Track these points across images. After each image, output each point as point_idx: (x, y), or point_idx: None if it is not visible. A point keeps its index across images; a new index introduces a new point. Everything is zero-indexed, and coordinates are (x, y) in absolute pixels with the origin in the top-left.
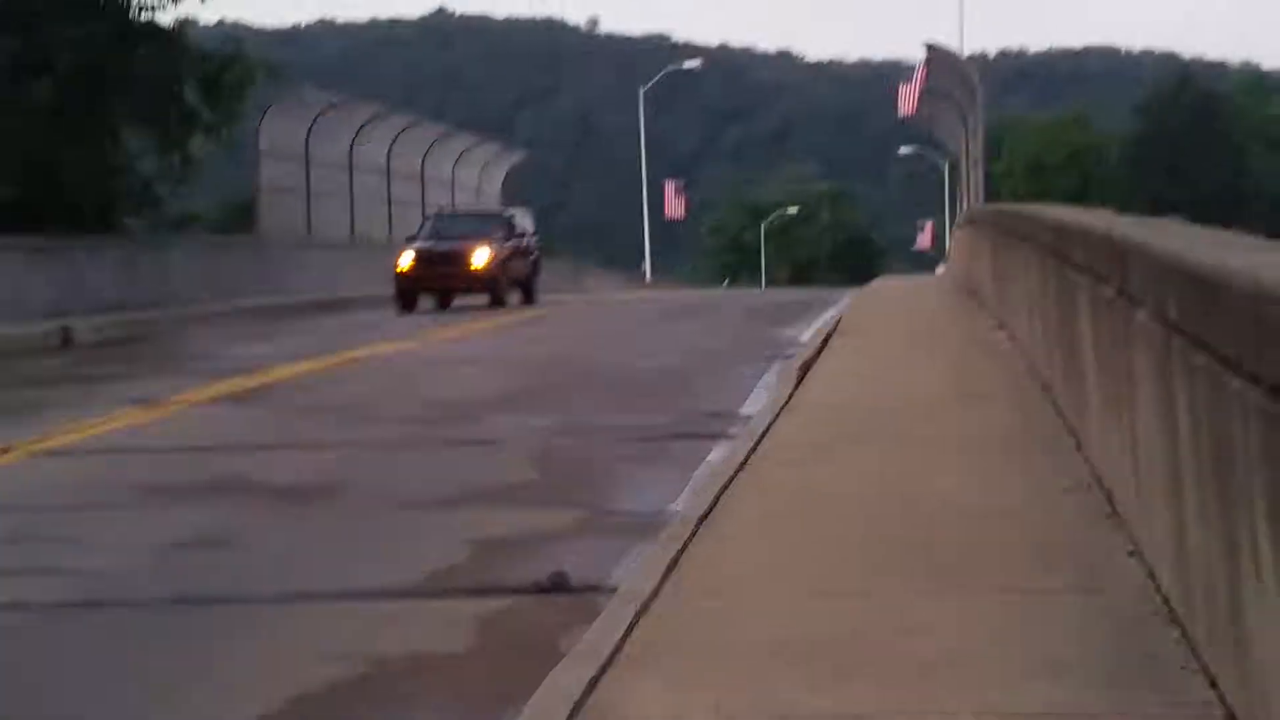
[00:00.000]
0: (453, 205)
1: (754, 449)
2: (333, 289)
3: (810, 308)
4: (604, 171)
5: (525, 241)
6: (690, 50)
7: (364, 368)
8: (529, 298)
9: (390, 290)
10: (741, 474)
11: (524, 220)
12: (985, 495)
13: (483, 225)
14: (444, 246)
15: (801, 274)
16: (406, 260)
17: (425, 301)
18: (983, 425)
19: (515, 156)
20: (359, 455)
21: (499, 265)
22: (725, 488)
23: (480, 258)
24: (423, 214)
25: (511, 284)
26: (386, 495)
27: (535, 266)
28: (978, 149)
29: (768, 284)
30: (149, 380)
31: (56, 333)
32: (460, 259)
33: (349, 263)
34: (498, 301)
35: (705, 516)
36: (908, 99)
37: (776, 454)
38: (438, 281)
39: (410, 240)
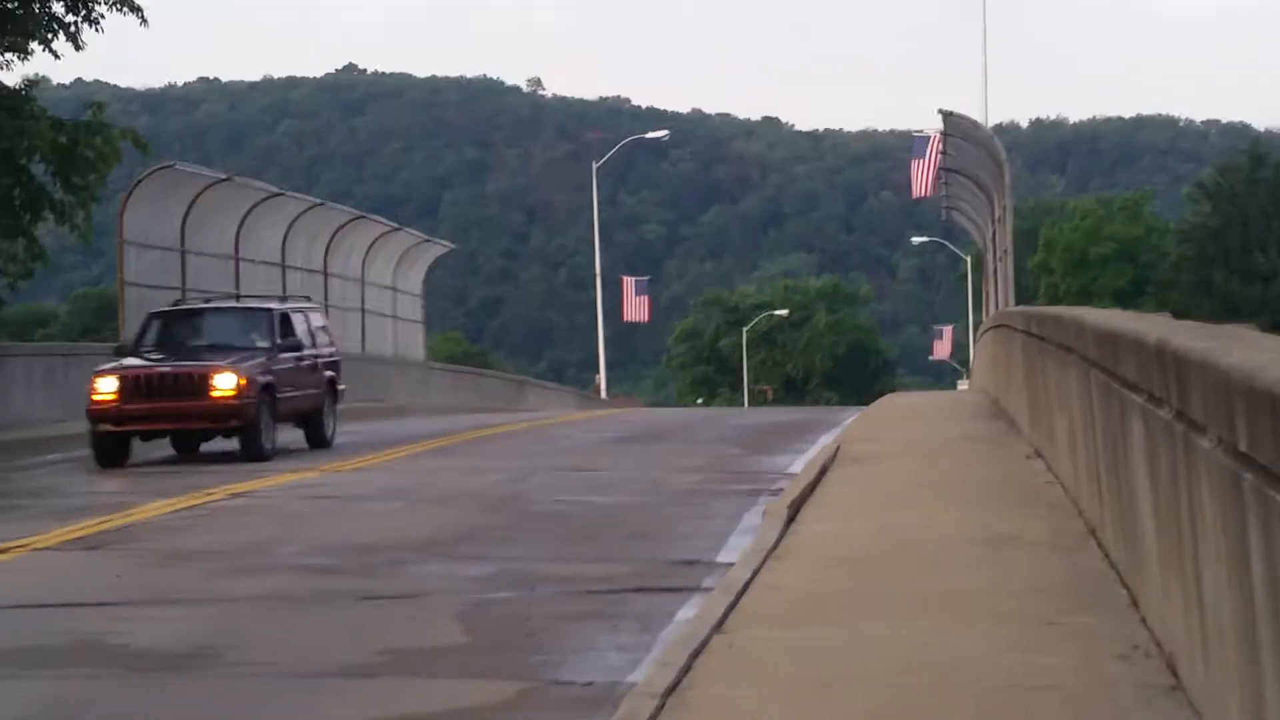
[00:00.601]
0: (206, 296)
1: (733, 605)
2: None
3: (803, 432)
4: (550, 265)
5: (311, 351)
6: (655, 117)
7: (249, 505)
8: (318, 438)
9: None
10: (717, 637)
11: (311, 318)
12: (1023, 665)
13: (239, 327)
14: (170, 365)
15: (792, 391)
16: (108, 386)
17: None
18: (1016, 577)
19: (440, 247)
20: (242, 613)
21: (258, 391)
22: (696, 654)
23: (226, 381)
24: (325, 311)
25: (286, 418)
26: (276, 663)
27: (331, 390)
28: (1006, 238)
29: (751, 403)
30: None
31: None
32: (194, 384)
33: None
34: (254, 449)
35: (671, 689)
36: (921, 178)
37: (761, 613)
38: (159, 419)
39: (120, 352)
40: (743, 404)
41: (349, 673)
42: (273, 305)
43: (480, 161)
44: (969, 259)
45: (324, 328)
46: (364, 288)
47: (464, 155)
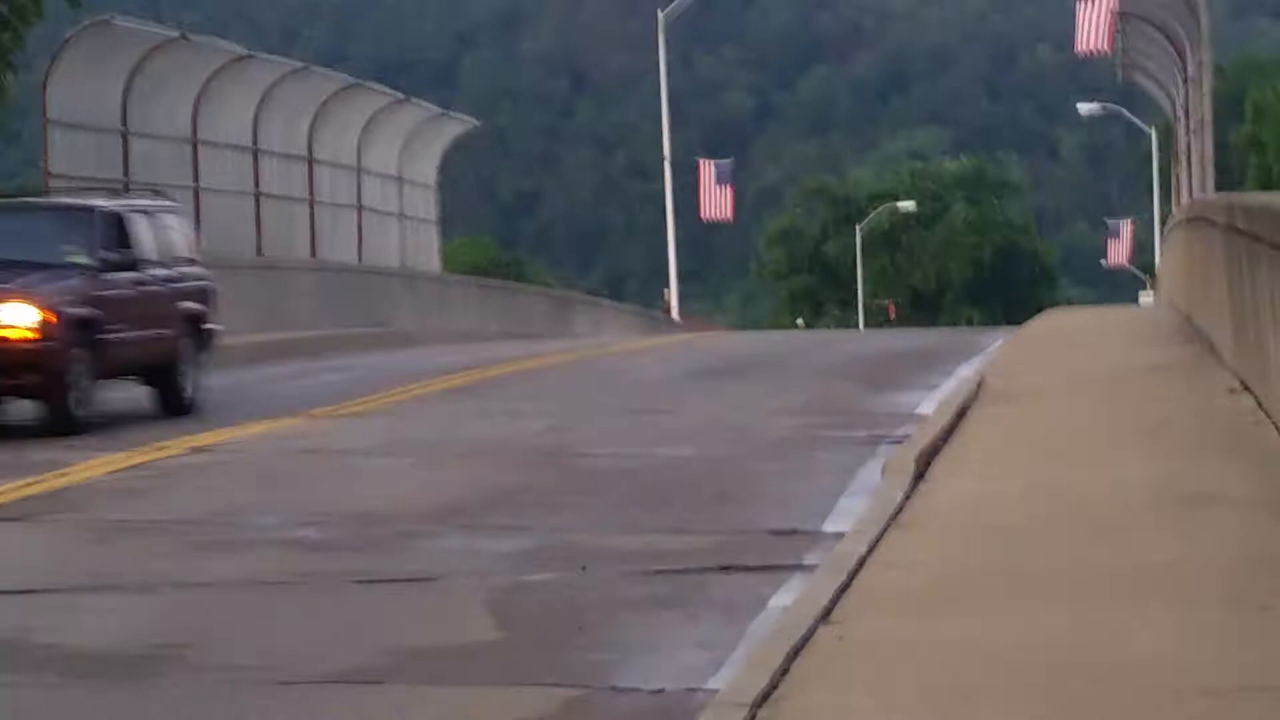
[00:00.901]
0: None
1: (844, 588)
2: None
3: (936, 361)
4: (603, 147)
5: (160, 273)
6: None
7: (215, 462)
8: (173, 400)
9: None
10: (823, 630)
11: (164, 223)
12: (1228, 664)
13: (46, 235)
14: None
15: (922, 308)
16: None
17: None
18: (1217, 547)
19: (460, 124)
20: (208, 601)
21: (69, 329)
22: (797, 652)
23: (17, 315)
24: (311, 209)
25: (117, 371)
26: (254, 666)
27: (194, 329)
28: (1204, 105)
29: (868, 324)
30: None
31: None
32: None
33: None
34: (61, 417)
35: (764, 698)
36: (1090, 26)
37: (881, 598)
38: None
39: None
40: (857, 325)
41: (347, 678)
42: (98, 203)
43: (511, 11)
44: (1153, 133)
45: (185, 237)
46: (360, 178)
47: (490, 3)
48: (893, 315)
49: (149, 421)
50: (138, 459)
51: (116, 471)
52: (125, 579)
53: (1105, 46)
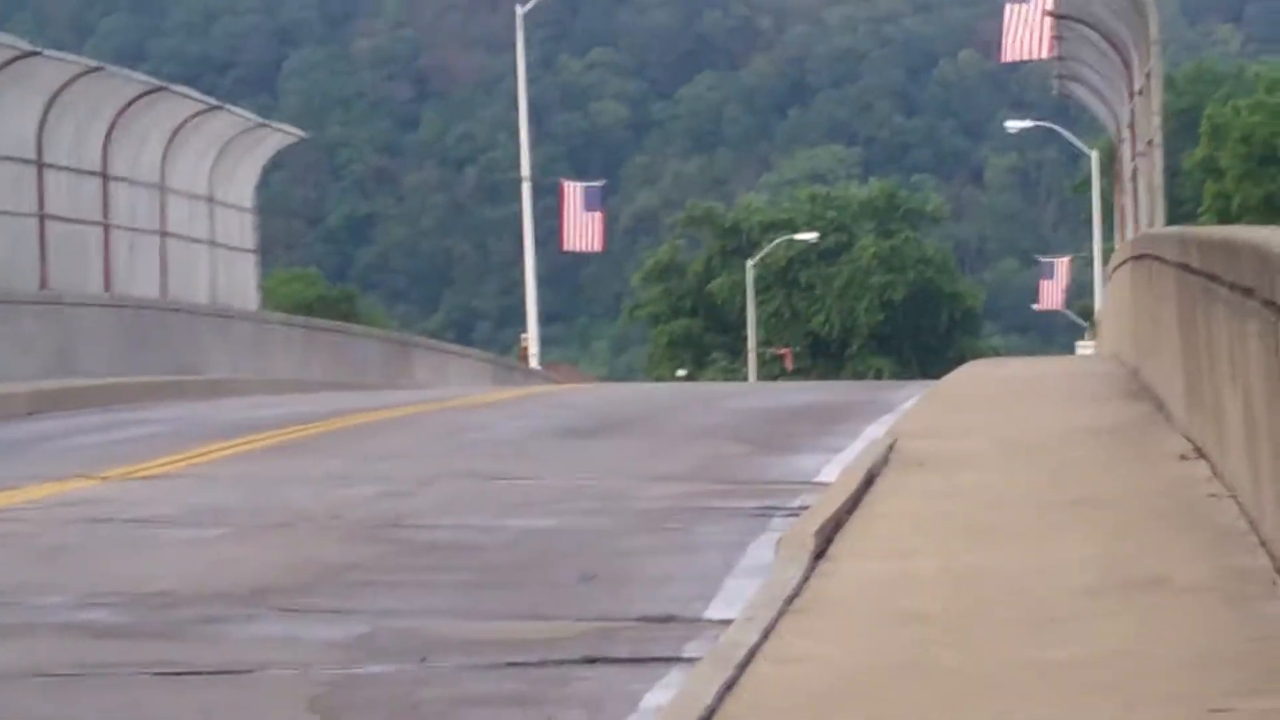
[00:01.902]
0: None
1: (730, 686)
2: None
3: (840, 419)
4: (450, 164)
5: None
6: None
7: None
8: None
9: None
10: None
11: None
12: None
13: None
14: None
15: (824, 357)
16: None
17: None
18: (1167, 641)
19: (282, 136)
20: None
21: None
22: None
23: None
24: (106, 233)
25: None
26: None
27: None
28: (1153, 122)
29: (761, 375)
30: None
31: None
32: None
33: None
34: None
35: None
36: (1021, 31)
37: (774, 700)
38: None
39: None
40: (748, 377)
41: None
42: None
43: (342, 7)
44: (1094, 155)
45: None
46: (165, 198)
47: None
48: (790, 365)
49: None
50: None
51: None
52: None
53: (1039, 53)
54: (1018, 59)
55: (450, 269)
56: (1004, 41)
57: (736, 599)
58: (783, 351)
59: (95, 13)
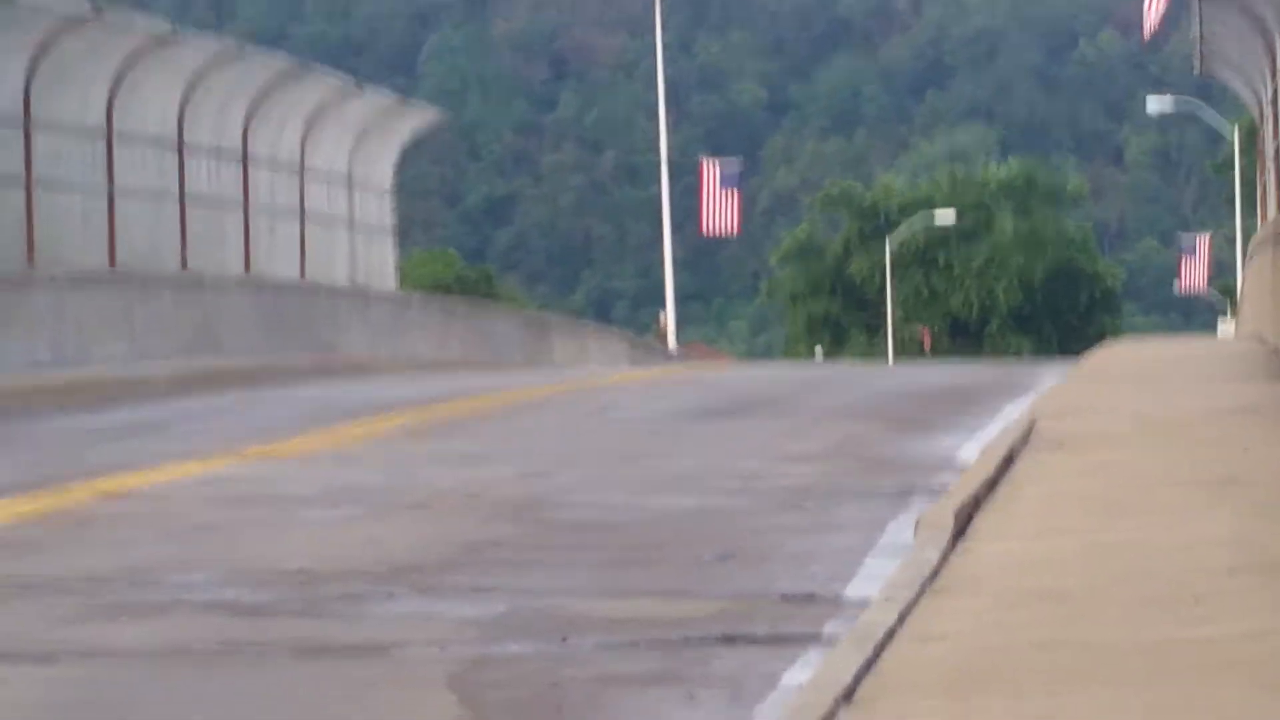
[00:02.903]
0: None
1: (869, 665)
2: (74, 358)
3: (979, 399)
4: (589, 146)
5: None
6: None
7: (131, 511)
8: None
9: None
10: (844, 715)
11: None
12: None
13: None
14: None
15: (963, 336)
16: None
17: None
18: None
19: (420, 117)
20: (119, 675)
21: None
22: None
23: None
24: (245, 214)
25: None
26: None
27: None
28: None
29: (899, 355)
30: None
31: None
32: None
33: (108, 310)
34: None
35: None
36: (1161, 9)
37: (915, 677)
38: None
39: None
40: (886, 357)
41: None
42: None
43: None
44: (1235, 133)
45: None
46: (304, 179)
47: None
48: (928, 345)
49: (41, 456)
50: (31, 505)
51: (7, 520)
52: (18, 646)
53: (1162, 27)
54: (1157, 33)
55: (589, 250)
56: (1146, 19)
57: (876, 578)
58: (922, 331)
59: None
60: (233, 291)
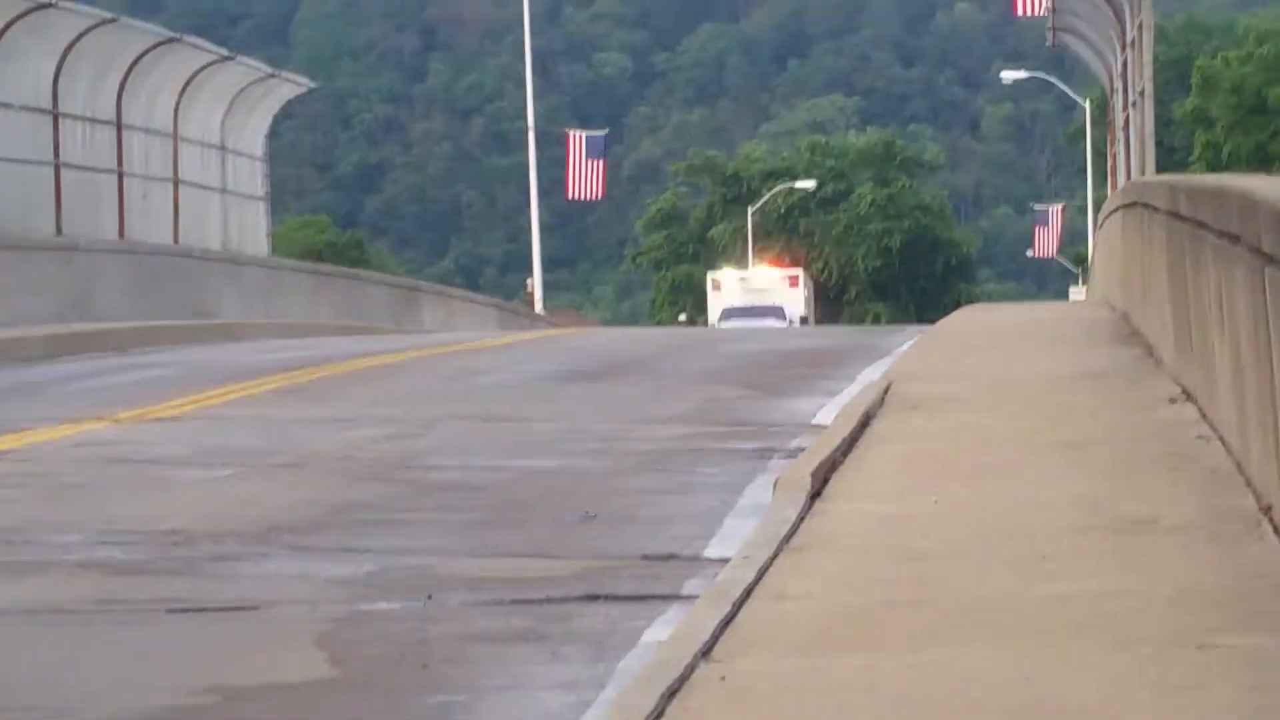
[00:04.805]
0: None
1: (728, 622)
2: None
3: (836, 363)
4: (458, 114)
5: None
6: None
7: (7, 470)
8: None
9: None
10: (703, 669)
11: None
12: (1157, 711)
13: None
14: None
15: (823, 302)
16: None
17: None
18: (1154, 580)
19: (292, 86)
20: None
21: None
22: (671, 694)
23: None
24: (120, 181)
25: None
26: (47, 707)
27: None
28: (1144, 74)
29: None
30: None
31: None
32: None
33: None
34: None
35: None
36: None
37: (771, 634)
38: None
39: None
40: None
41: None
42: None
43: None
44: (1087, 105)
45: None
46: (177, 147)
47: None
48: None
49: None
50: None
51: None
52: None
53: (1034, 10)
54: (1027, 15)
55: (457, 216)
56: None
57: (735, 538)
58: None
59: None
60: (107, 256)
